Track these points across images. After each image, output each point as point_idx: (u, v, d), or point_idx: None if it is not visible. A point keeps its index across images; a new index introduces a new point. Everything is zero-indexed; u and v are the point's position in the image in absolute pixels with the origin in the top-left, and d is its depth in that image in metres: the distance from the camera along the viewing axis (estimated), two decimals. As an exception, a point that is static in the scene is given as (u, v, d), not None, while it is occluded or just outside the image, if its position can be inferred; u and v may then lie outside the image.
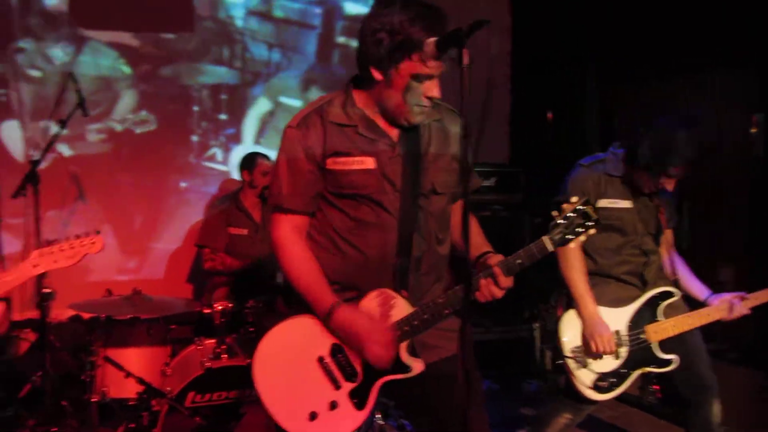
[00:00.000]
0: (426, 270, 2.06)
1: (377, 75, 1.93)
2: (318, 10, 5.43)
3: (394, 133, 2.03)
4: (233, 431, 3.20)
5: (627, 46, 5.08)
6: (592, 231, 1.97)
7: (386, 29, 1.87)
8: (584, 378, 2.73)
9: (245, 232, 4.40)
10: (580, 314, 2.73)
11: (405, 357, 1.98)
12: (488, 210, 5.03)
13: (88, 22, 4.81)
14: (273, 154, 4.74)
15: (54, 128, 3.34)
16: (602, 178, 2.81)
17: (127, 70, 4.93)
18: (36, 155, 3.23)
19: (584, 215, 1.97)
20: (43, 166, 3.32)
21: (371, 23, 1.92)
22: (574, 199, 1.97)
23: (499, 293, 1.94)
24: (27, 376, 3.66)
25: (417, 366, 1.98)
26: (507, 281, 1.93)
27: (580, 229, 1.96)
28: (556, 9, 5.42)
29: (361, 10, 5.49)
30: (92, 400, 3.33)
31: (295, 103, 5.38)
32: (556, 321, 2.82)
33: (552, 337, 2.86)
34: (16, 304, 4.28)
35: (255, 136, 5.32)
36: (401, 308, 1.97)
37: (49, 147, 3.32)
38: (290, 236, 2.04)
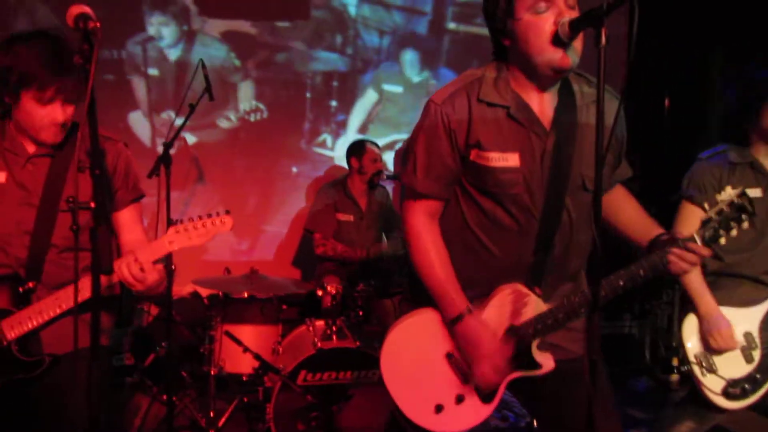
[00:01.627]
0: (562, 270, 1.96)
1: (506, 41, 1.81)
2: (429, -4, 5.42)
3: (547, 117, 1.86)
4: (342, 412, 3.28)
5: (758, 26, 4.72)
6: (745, 225, 1.85)
7: None
8: (712, 384, 2.56)
9: (351, 218, 4.47)
10: (697, 312, 2.59)
11: (536, 354, 1.93)
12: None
13: (210, 10, 5.03)
14: (380, 143, 4.82)
15: (178, 117, 3.49)
16: (724, 170, 2.58)
17: (237, 62, 5.11)
18: (168, 136, 3.39)
19: (740, 208, 1.84)
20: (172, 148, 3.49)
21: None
22: (729, 190, 1.85)
23: (696, 259, 1.84)
24: (152, 346, 3.89)
25: (547, 363, 1.93)
26: (705, 249, 1.84)
27: (733, 224, 1.84)
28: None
29: (471, -8, 5.43)
30: (210, 372, 3.48)
31: (397, 89, 5.40)
32: (669, 318, 2.68)
33: (663, 334, 2.72)
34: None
35: (362, 123, 5.39)
36: (534, 306, 1.91)
37: (179, 132, 3.49)
38: (424, 224, 1.94)
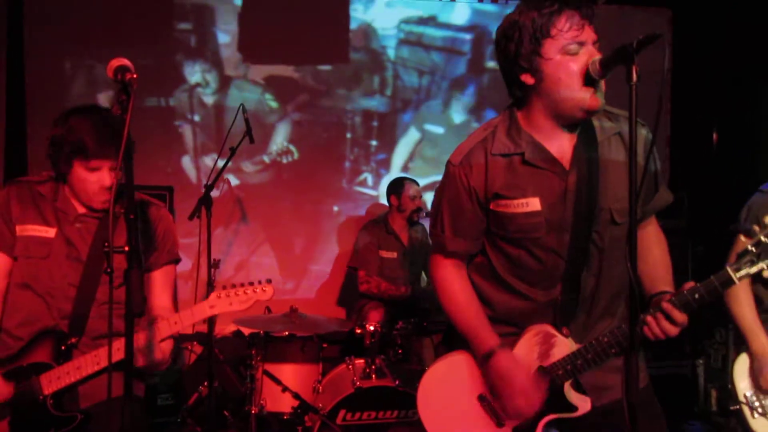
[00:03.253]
0: (594, 307, 1.91)
1: (528, 79, 1.78)
2: (468, 36, 5.48)
3: (566, 156, 1.84)
4: (381, 452, 3.24)
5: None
6: None
7: (517, 27, 1.74)
8: (762, 428, 2.45)
9: (395, 255, 4.49)
10: (749, 350, 2.48)
11: (570, 395, 1.89)
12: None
13: (254, 57, 5.20)
14: (421, 182, 4.85)
15: (220, 159, 3.60)
16: None
17: (274, 104, 5.25)
18: (210, 179, 3.49)
19: None
20: (213, 193, 3.59)
21: (501, 32, 1.81)
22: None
23: (672, 330, 1.75)
24: (194, 386, 3.92)
25: (583, 405, 1.89)
26: (682, 317, 1.74)
27: None
28: (724, 20, 5.05)
29: (511, 33, 5.47)
30: (252, 411, 3.48)
31: (438, 129, 5.44)
32: (724, 359, 2.58)
33: (717, 375, 2.62)
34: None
35: (404, 162, 5.44)
36: (562, 347, 1.88)
37: (221, 173, 3.59)
38: (452, 274, 2.01)
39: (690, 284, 1.78)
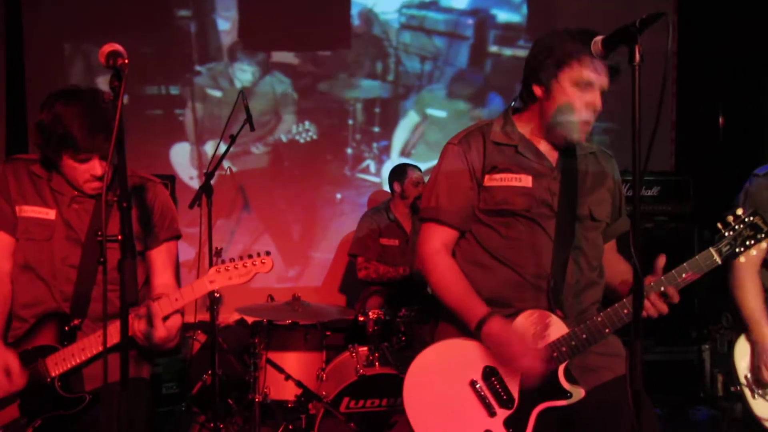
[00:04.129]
0: (581, 292, 2.00)
1: (538, 91, 1.96)
2: (470, 21, 5.43)
3: (553, 157, 2.03)
4: (385, 440, 3.24)
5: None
6: (764, 244, 1.90)
7: (551, 45, 1.93)
8: (764, 410, 2.44)
9: (396, 242, 4.46)
10: (749, 337, 2.46)
11: (564, 382, 1.88)
12: (652, 221, 4.70)
13: (254, 43, 5.17)
14: (421, 166, 4.82)
15: (223, 145, 3.58)
16: None
17: (295, 95, 5.24)
18: (209, 167, 3.47)
19: (753, 227, 1.88)
20: (214, 181, 3.56)
21: (538, 43, 1.99)
22: (739, 211, 1.89)
23: (664, 308, 1.88)
24: (198, 374, 3.93)
25: (577, 392, 1.89)
26: (674, 295, 1.87)
27: (749, 242, 1.89)
28: (730, 2, 4.98)
29: (513, 17, 5.42)
30: (256, 399, 3.48)
31: (441, 114, 5.39)
32: (729, 344, 2.56)
33: (724, 361, 2.60)
34: (189, 307, 4.65)
35: (403, 147, 5.40)
36: (557, 328, 1.90)
37: (221, 161, 3.56)
38: (439, 250, 2.04)
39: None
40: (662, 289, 1.87)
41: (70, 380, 2.07)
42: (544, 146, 2.03)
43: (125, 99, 1.56)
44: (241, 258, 2.10)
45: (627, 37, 1.56)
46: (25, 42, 4.91)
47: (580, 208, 2.00)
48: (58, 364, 2.04)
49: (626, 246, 1.98)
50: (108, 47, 1.58)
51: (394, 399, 3.24)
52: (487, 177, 2.00)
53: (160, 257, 2.25)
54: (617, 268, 2.13)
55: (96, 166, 2.04)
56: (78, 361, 2.04)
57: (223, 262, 2.09)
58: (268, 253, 2.13)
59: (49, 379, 2.04)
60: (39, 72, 4.86)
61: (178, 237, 2.33)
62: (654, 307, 1.88)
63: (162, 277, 2.25)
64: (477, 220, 2.03)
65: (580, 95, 1.90)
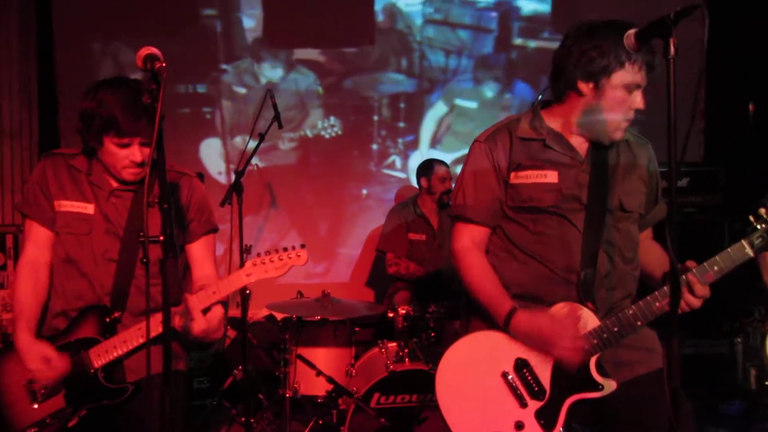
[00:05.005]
0: (613, 285, 1.98)
1: (584, 88, 1.93)
2: (494, 14, 5.39)
3: (583, 148, 2.02)
4: (415, 435, 3.24)
5: None
6: None
7: (598, 43, 1.89)
8: None
9: (423, 237, 4.46)
10: None
11: (595, 374, 1.88)
12: (681, 213, 4.63)
13: (279, 41, 5.20)
14: (449, 158, 4.82)
15: (252, 142, 3.61)
16: None
17: (320, 90, 5.26)
18: (239, 165, 3.51)
19: None
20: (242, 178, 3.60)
21: (577, 38, 1.94)
22: None
23: (696, 303, 1.85)
24: (230, 369, 3.97)
25: (609, 385, 1.88)
26: (703, 290, 1.84)
27: None
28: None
29: (537, 7, 5.37)
30: (286, 395, 3.52)
31: (471, 104, 5.38)
32: (762, 337, 2.52)
33: (756, 354, 2.56)
34: (219, 303, 4.71)
35: (431, 140, 5.40)
36: (589, 321, 1.90)
37: (250, 159, 3.59)
38: (469, 247, 2.06)
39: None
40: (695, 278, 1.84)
41: (112, 371, 2.11)
42: (575, 139, 2.02)
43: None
44: (276, 251, 2.11)
45: (662, 29, 1.54)
46: (55, 41, 5.01)
47: (611, 200, 1.98)
48: (100, 356, 2.09)
49: (661, 238, 1.98)
50: (145, 50, 1.60)
51: (424, 395, 3.25)
52: (512, 174, 2.01)
53: (199, 250, 2.28)
54: (652, 254, 2.10)
55: (136, 152, 2.07)
56: (120, 352, 2.08)
57: (258, 255, 2.10)
58: (303, 246, 2.13)
59: (92, 371, 2.09)
60: (69, 70, 4.95)
61: (215, 230, 2.35)
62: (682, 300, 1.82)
63: (202, 270, 2.27)
64: (506, 216, 2.04)
65: (629, 97, 1.90)
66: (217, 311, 2.05)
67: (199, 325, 1.99)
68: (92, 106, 2.02)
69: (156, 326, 1.86)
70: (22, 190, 4.75)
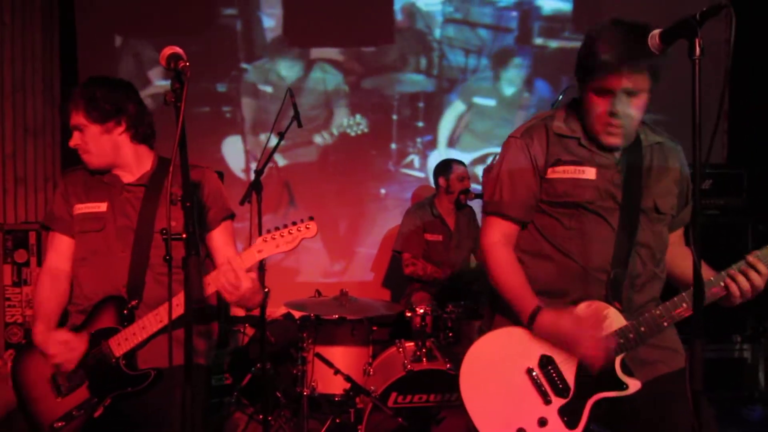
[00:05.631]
0: (642, 286, 1.98)
1: (580, 89, 1.96)
2: (514, 14, 5.36)
3: (616, 150, 2.00)
4: (433, 435, 3.24)
5: None
6: None
7: (588, 44, 1.91)
8: None
9: (440, 238, 4.45)
10: None
11: (620, 373, 1.87)
12: (704, 215, 4.57)
13: (299, 40, 5.22)
14: (467, 157, 4.80)
15: (273, 140, 3.62)
16: None
17: (345, 87, 5.28)
18: (259, 164, 3.52)
19: None
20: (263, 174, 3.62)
21: (584, 37, 1.95)
22: None
23: (759, 281, 1.83)
24: (248, 367, 4.00)
25: (633, 384, 1.88)
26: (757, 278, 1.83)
27: None
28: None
29: (558, 6, 5.33)
30: (304, 393, 3.53)
31: (489, 102, 5.36)
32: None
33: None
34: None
35: (449, 139, 5.39)
36: (614, 320, 1.89)
37: (270, 157, 3.61)
38: (499, 242, 2.05)
39: None
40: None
41: (134, 359, 2.15)
42: (606, 140, 1.99)
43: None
44: (285, 226, 2.08)
45: (687, 30, 1.52)
46: (78, 39, 5.09)
47: (645, 201, 1.98)
48: (120, 344, 2.13)
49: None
50: (168, 50, 1.62)
51: (441, 395, 3.24)
52: (550, 170, 2.00)
53: (219, 236, 2.32)
54: (684, 263, 2.08)
55: (76, 137, 2.23)
56: (139, 339, 2.11)
57: (268, 231, 2.08)
58: (311, 218, 2.09)
59: (113, 359, 2.13)
60: (91, 68, 4.99)
61: (232, 216, 2.38)
62: (745, 283, 1.83)
63: (224, 252, 2.30)
64: (540, 210, 2.04)
65: (603, 102, 1.89)
66: (252, 274, 2.08)
67: (246, 283, 2.00)
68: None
69: (175, 309, 1.89)
70: (45, 191, 4.83)
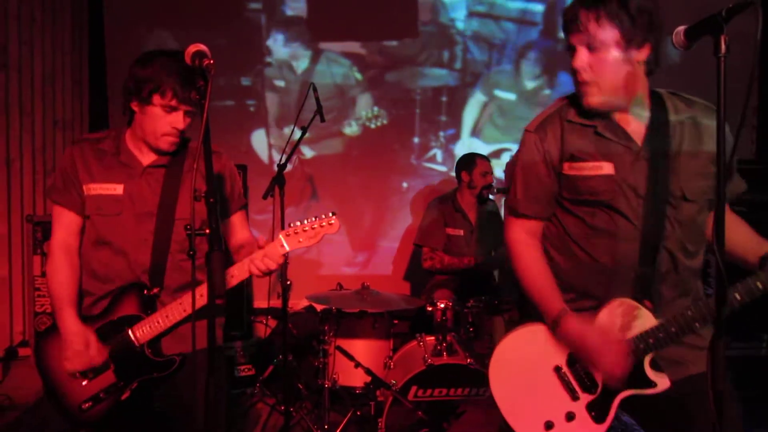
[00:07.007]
0: (672, 283, 1.91)
1: None
2: (540, 7, 5.32)
3: (640, 133, 1.89)
4: (452, 429, 3.25)
5: None
6: None
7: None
8: None
9: (461, 232, 4.44)
10: None
11: (649, 371, 1.86)
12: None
13: (323, 34, 5.24)
14: (488, 149, 4.77)
15: (296, 133, 3.64)
16: None
17: (359, 76, 5.29)
18: (282, 158, 3.54)
19: None
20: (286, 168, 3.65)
21: None
22: None
23: None
24: (270, 358, 4.04)
25: (662, 382, 1.86)
26: None
27: None
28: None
29: None
30: (325, 385, 3.56)
31: (511, 96, 5.33)
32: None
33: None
34: (260, 293, 4.79)
35: (471, 130, 5.37)
36: (645, 320, 1.85)
37: (293, 152, 3.63)
38: (524, 240, 2.03)
39: None
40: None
41: (159, 345, 2.18)
42: (627, 121, 1.90)
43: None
44: (308, 220, 2.08)
45: (712, 27, 1.50)
46: (105, 33, 5.19)
47: (671, 190, 1.86)
48: (145, 332, 2.15)
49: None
50: (193, 47, 1.63)
51: (461, 389, 3.25)
52: (566, 165, 1.93)
53: (236, 221, 2.38)
54: (733, 236, 1.86)
55: (180, 119, 2.11)
56: (163, 327, 2.14)
57: (290, 225, 2.08)
58: (333, 213, 2.09)
59: (138, 345, 2.16)
60: (119, 60, 5.08)
61: (245, 206, 2.44)
62: None
63: (241, 235, 2.36)
64: (562, 207, 1.99)
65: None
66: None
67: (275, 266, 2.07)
68: (146, 70, 2.06)
69: (198, 300, 1.93)
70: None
